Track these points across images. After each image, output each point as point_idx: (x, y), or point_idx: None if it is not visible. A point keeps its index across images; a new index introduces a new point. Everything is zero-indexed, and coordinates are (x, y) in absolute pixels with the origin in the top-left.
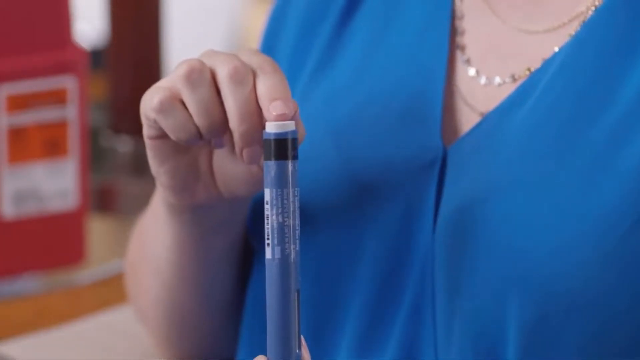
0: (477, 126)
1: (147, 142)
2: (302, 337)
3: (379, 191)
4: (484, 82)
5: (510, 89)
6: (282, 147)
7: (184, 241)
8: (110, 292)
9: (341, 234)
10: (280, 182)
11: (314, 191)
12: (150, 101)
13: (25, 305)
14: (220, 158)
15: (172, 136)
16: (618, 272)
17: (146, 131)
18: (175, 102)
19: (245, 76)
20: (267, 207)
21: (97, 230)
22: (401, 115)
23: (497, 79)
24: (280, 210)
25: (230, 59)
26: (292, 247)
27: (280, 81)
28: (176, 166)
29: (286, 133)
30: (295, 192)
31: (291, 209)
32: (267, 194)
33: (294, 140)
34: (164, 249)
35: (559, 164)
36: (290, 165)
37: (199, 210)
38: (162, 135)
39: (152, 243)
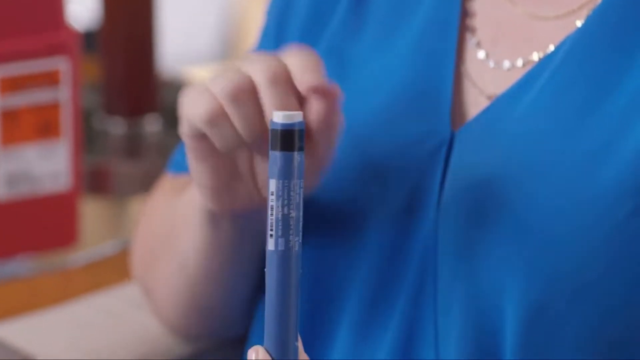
0: (485, 111)
1: (187, 141)
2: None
3: (387, 172)
4: (492, 65)
5: (518, 73)
6: (289, 138)
7: (218, 247)
8: (103, 273)
9: (346, 214)
10: (286, 174)
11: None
12: (197, 110)
13: (18, 287)
14: (262, 158)
15: (217, 145)
16: (619, 256)
17: (187, 131)
18: (223, 116)
19: (281, 74)
20: (271, 197)
21: (90, 212)
22: (411, 97)
23: (506, 63)
24: (285, 202)
25: (267, 62)
26: (295, 239)
27: (311, 59)
28: (216, 165)
29: (293, 124)
30: (301, 183)
31: (296, 200)
32: (273, 185)
33: (301, 132)
34: (194, 250)
35: (564, 148)
36: (296, 156)
37: (239, 219)
38: (202, 136)
39: (179, 239)
